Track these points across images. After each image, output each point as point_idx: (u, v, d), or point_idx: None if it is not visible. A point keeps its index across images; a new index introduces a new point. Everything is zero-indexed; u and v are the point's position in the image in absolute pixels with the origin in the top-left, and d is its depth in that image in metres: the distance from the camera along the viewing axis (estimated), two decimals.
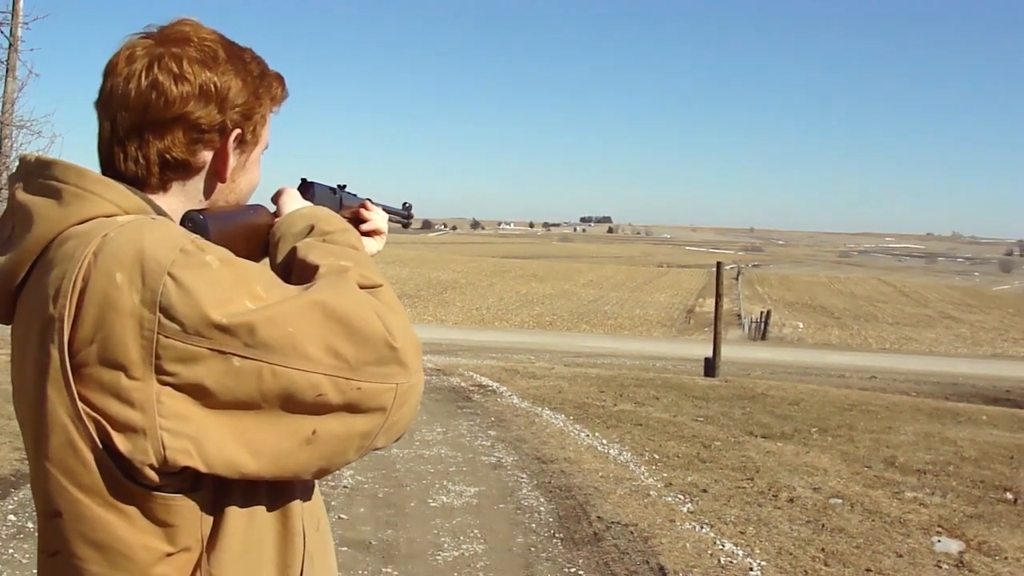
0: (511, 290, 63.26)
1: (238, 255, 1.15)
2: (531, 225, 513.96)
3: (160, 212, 1.22)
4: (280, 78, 1.37)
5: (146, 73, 1.21)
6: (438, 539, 5.44)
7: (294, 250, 1.28)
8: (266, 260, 1.33)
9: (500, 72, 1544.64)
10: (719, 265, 18.92)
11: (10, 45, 15.18)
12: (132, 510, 1.10)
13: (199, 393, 1.06)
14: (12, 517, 5.43)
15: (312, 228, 1.32)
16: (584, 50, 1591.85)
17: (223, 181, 1.30)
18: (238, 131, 1.28)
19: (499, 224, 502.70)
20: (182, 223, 1.23)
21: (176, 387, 1.05)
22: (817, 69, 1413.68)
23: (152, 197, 1.24)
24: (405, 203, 1.92)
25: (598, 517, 5.93)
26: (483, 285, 65.38)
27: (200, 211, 1.26)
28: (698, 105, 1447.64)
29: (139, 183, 1.23)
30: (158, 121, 1.22)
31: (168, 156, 1.23)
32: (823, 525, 5.91)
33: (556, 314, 50.36)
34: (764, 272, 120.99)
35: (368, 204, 1.65)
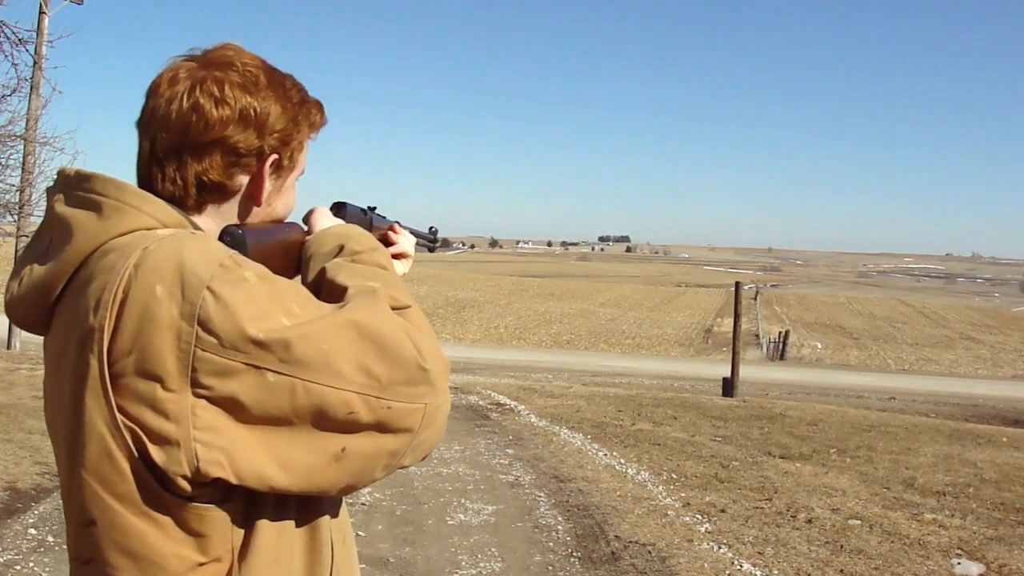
0: (529, 309, 63.17)
1: (273, 271, 1.18)
2: (549, 244, 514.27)
3: (197, 229, 1.24)
4: (320, 105, 1.39)
5: (188, 95, 1.24)
6: (456, 557, 5.44)
7: (323, 270, 1.30)
8: (299, 277, 1.36)
9: (519, 91, 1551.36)
10: (738, 285, 18.80)
11: (35, 63, 15.39)
12: (166, 519, 1.12)
13: (233, 407, 1.08)
14: (33, 531, 5.47)
15: (342, 248, 1.34)
16: (603, 70, 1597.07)
17: (258, 205, 1.32)
18: (275, 156, 1.30)
19: (517, 243, 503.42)
20: (221, 237, 1.26)
21: (211, 400, 1.07)
22: (836, 89, 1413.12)
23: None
24: (431, 227, 1.95)
25: (616, 536, 5.91)
26: (501, 304, 65.32)
27: (238, 226, 1.29)
28: (717, 125, 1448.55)
29: (175, 204, 1.25)
30: (197, 143, 1.24)
31: (205, 178, 1.26)
32: (842, 546, 5.87)
33: (574, 333, 50.23)
34: (783, 292, 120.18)
35: (396, 227, 1.67)
